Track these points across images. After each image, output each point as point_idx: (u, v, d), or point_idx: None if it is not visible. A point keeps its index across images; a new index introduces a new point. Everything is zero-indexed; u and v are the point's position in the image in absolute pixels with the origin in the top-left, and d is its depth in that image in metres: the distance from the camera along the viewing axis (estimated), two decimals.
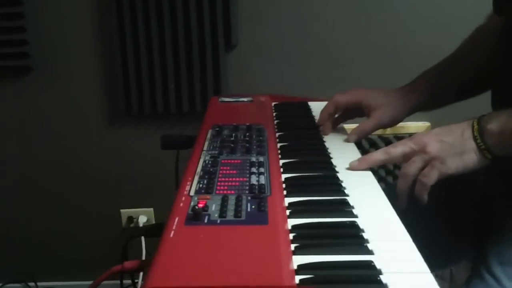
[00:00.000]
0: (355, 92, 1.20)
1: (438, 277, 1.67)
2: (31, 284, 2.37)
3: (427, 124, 2.10)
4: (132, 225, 2.27)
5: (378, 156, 0.99)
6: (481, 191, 1.09)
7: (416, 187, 0.93)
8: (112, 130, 2.20)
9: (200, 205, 0.80)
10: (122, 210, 2.29)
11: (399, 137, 2.00)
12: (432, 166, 0.91)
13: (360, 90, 1.20)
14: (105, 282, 0.85)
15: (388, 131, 2.05)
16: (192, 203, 0.81)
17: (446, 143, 0.92)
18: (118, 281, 0.97)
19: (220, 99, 1.50)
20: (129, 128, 2.19)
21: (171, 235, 0.71)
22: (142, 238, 2.12)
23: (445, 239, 1.16)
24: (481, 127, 0.90)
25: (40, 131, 2.20)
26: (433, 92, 1.18)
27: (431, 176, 0.91)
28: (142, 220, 2.27)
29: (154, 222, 2.29)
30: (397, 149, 0.97)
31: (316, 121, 1.26)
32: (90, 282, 0.88)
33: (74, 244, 2.33)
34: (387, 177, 2.11)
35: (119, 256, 0.91)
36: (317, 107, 1.33)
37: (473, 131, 0.91)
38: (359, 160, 1.01)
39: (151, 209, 2.29)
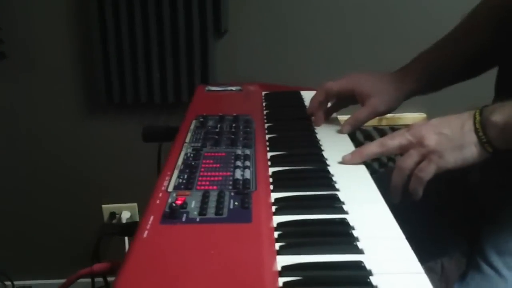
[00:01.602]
0: (347, 79, 1.19)
1: (429, 270, 1.67)
2: (7, 283, 2.36)
3: (423, 115, 2.11)
4: (114, 221, 2.26)
5: (373, 148, 0.98)
6: (476, 182, 1.09)
7: (411, 182, 0.92)
8: (92, 121, 2.18)
9: (178, 202, 0.78)
10: (103, 206, 2.28)
11: (395, 129, 2.00)
12: (430, 160, 0.91)
13: (353, 76, 1.19)
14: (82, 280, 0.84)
15: (384, 122, 2.05)
16: (169, 200, 0.80)
17: (444, 135, 0.91)
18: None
19: (206, 88, 1.49)
20: (110, 119, 2.17)
21: (145, 235, 0.70)
22: (126, 237, 2.11)
23: (437, 230, 1.16)
24: (484, 118, 0.89)
25: (15, 122, 2.18)
26: (430, 76, 1.17)
27: (428, 171, 0.91)
28: (125, 216, 2.26)
29: (138, 218, 2.28)
30: (394, 141, 0.96)
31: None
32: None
33: (52, 241, 2.32)
34: (381, 169, 2.10)
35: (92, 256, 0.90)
36: (310, 97, 1.30)
37: (474, 123, 0.90)
38: (352, 153, 0.99)
39: (135, 204, 2.27)
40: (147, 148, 1.44)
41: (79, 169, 2.23)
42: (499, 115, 0.88)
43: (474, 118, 0.90)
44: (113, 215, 2.27)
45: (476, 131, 0.89)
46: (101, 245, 0.92)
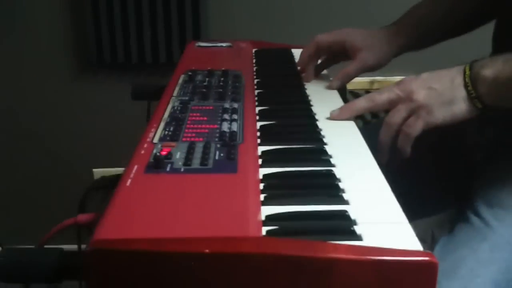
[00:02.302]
0: (339, 32, 1.18)
1: (419, 240, 1.68)
2: None
3: None
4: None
5: (361, 103, 0.97)
6: (469, 138, 1.09)
7: (399, 138, 0.92)
8: (82, 81, 2.16)
9: (163, 153, 0.78)
10: (94, 170, 2.27)
11: None
12: (418, 116, 0.90)
13: (344, 30, 1.18)
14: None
15: (376, 85, 2.05)
16: (154, 151, 0.79)
17: (434, 90, 0.90)
18: None
19: (197, 44, 1.48)
20: (100, 79, 2.15)
21: (128, 183, 0.70)
22: None
23: (427, 187, 1.16)
24: (474, 73, 0.88)
25: (2, 84, 2.16)
26: (422, 32, 1.17)
27: (416, 127, 0.90)
28: None
29: None
30: (382, 96, 0.95)
31: (299, 68, 1.24)
32: (60, 246, 0.87)
33: (42, 207, 2.31)
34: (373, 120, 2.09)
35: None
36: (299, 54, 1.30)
37: (464, 78, 0.89)
38: (340, 108, 0.98)
39: None
40: (138, 110, 1.43)
41: (69, 132, 2.22)
42: (489, 70, 0.87)
43: (464, 72, 0.89)
44: None
45: (466, 85, 0.88)
46: (91, 202, 0.92)
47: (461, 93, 0.88)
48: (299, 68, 1.24)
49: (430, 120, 0.90)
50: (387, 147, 0.93)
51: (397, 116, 0.92)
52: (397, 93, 0.92)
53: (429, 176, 1.15)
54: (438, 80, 0.91)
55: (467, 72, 0.89)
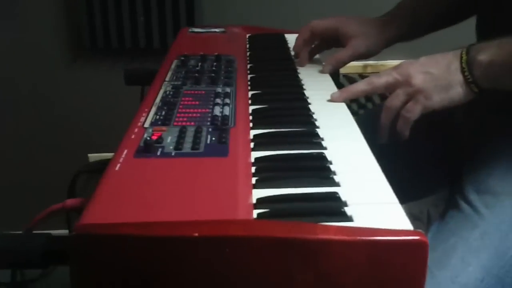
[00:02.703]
0: (333, 19, 1.19)
1: (415, 218, 1.69)
2: None
3: None
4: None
5: (360, 86, 0.98)
6: (459, 122, 1.09)
7: (399, 122, 0.93)
8: (75, 67, 2.15)
9: (154, 137, 0.78)
10: (90, 155, 2.26)
11: None
12: (416, 101, 0.91)
13: (338, 18, 1.19)
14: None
15: (369, 69, 2.04)
16: (145, 135, 0.79)
17: (431, 75, 0.90)
18: None
19: (190, 30, 1.47)
20: (94, 64, 2.14)
21: (117, 168, 0.69)
22: None
23: (419, 169, 1.17)
24: (470, 58, 0.89)
25: None
26: (413, 23, 1.17)
27: (415, 111, 0.91)
28: None
29: None
30: (381, 79, 0.95)
31: (292, 53, 1.25)
32: (54, 231, 0.87)
33: (37, 192, 2.30)
34: (359, 110, 2.10)
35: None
36: (293, 39, 1.29)
37: (461, 62, 0.89)
38: (340, 91, 1.00)
39: None
40: (133, 95, 1.42)
41: (64, 117, 2.20)
42: (484, 54, 0.87)
43: (461, 57, 0.90)
44: None
45: (463, 70, 0.89)
46: (81, 185, 0.92)
47: (458, 77, 0.89)
48: (293, 52, 1.24)
49: (428, 104, 0.91)
50: (387, 129, 0.95)
51: (396, 100, 0.93)
52: (395, 77, 0.93)
53: (423, 158, 1.16)
54: (435, 64, 0.91)
55: (464, 57, 0.89)
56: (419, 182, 1.18)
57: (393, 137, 0.95)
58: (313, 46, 1.23)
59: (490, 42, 0.89)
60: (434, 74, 0.90)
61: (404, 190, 0.71)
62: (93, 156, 2.25)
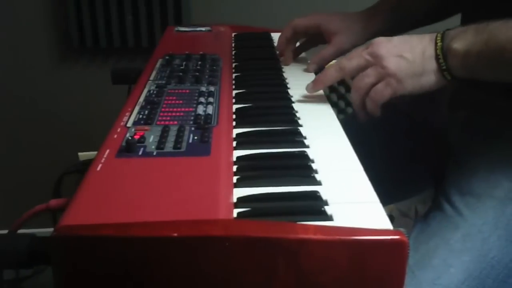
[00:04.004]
0: (314, 16, 1.17)
1: (403, 215, 1.69)
2: None
3: None
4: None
5: (332, 73, 0.95)
6: (443, 122, 1.08)
7: (367, 103, 0.90)
8: (64, 66, 2.13)
9: (136, 137, 0.77)
10: (80, 153, 2.25)
11: None
12: (387, 84, 0.88)
13: (320, 14, 1.17)
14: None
15: None
16: (127, 135, 0.78)
17: (405, 60, 0.87)
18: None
19: (176, 29, 1.45)
20: (83, 64, 2.12)
21: (98, 168, 0.68)
22: None
23: (405, 169, 1.15)
24: (445, 45, 0.86)
25: None
26: (396, 18, 1.15)
27: (384, 94, 0.88)
28: None
29: None
30: (352, 62, 0.92)
31: (277, 52, 1.23)
32: (44, 230, 0.85)
33: (27, 191, 2.28)
34: (347, 108, 2.08)
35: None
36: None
37: (436, 49, 0.86)
38: (313, 81, 0.98)
39: None
40: (122, 94, 1.41)
41: (53, 116, 2.18)
42: (460, 43, 0.85)
43: (436, 44, 0.87)
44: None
45: (437, 58, 0.86)
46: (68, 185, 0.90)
47: (432, 65, 0.87)
48: (278, 51, 1.22)
49: (399, 89, 0.88)
50: (361, 109, 0.92)
51: (365, 80, 0.90)
52: (366, 58, 0.90)
53: (408, 158, 1.15)
54: (410, 49, 0.88)
55: (439, 44, 0.86)
56: (406, 182, 1.17)
57: (368, 116, 0.93)
58: (298, 44, 1.22)
59: (465, 29, 0.86)
60: (408, 59, 0.87)
61: (391, 191, 0.70)
62: (83, 155, 2.23)
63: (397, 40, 0.90)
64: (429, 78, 0.87)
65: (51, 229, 0.76)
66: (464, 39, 0.85)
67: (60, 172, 1.63)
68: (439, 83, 0.87)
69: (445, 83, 0.88)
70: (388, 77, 0.88)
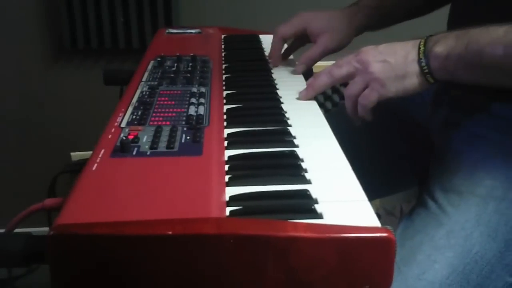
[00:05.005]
0: (298, 20, 1.16)
1: (388, 213, 1.69)
2: None
3: None
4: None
5: (322, 80, 0.97)
6: (427, 120, 1.09)
7: (358, 108, 0.93)
8: (56, 67, 2.12)
9: (130, 137, 0.77)
10: (72, 153, 2.24)
11: None
12: (372, 88, 0.90)
13: (303, 17, 1.16)
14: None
15: None
16: (121, 135, 0.78)
17: (388, 64, 0.89)
18: None
19: (167, 31, 1.45)
20: (74, 65, 2.11)
21: (94, 168, 0.68)
22: None
23: (389, 165, 1.17)
24: (427, 49, 0.88)
25: None
26: (380, 12, 1.16)
27: (370, 99, 0.90)
28: None
29: None
30: (341, 70, 0.95)
31: (266, 53, 1.24)
32: (37, 229, 0.85)
33: (20, 191, 2.27)
34: (326, 102, 2.08)
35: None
36: (267, 40, 1.29)
37: (418, 53, 0.88)
38: (305, 89, 0.99)
39: None
40: (114, 94, 1.40)
41: (45, 117, 2.16)
42: (441, 47, 0.87)
43: (419, 48, 0.89)
44: None
45: (419, 61, 0.88)
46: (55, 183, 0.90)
47: (414, 68, 0.88)
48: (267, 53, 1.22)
49: (383, 92, 0.90)
50: (354, 114, 0.95)
51: (354, 88, 0.92)
52: (355, 65, 0.92)
53: (393, 155, 1.16)
54: (393, 54, 0.90)
55: (421, 48, 0.88)
56: (390, 178, 1.18)
57: (362, 120, 0.95)
58: (286, 46, 1.22)
59: (447, 34, 0.88)
60: (391, 63, 0.89)
61: (376, 186, 0.71)
62: (75, 155, 2.22)
63: (382, 46, 0.92)
64: (412, 81, 0.89)
65: (46, 228, 0.76)
66: (445, 44, 0.86)
67: (52, 172, 1.64)
68: (423, 86, 0.89)
69: (428, 86, 0.89)
70: (373, 81, 0.90)
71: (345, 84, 0.96)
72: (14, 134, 2.20)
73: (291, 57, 1.25)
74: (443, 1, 1.13)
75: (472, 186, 0.91)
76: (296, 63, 1.17)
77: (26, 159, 2.24)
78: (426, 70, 0.87)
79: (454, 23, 1.05)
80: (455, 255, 0.85)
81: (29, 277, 2.10)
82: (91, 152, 2.16)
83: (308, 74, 1.14)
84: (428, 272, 0.84)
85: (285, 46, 1.22)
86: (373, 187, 0.68)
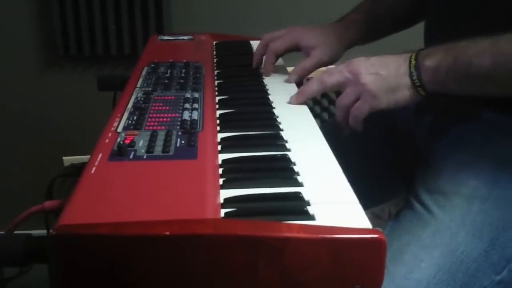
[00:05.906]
0: (290, 35, 1.16)
1: (376, 217, 1.71)
2: None
3: None
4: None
5: (313, 86, 0.98)
6: (411, 126, 1.10)
7: (350, 119, 0.94)
8: (49, 73, 2.12)
9: (127, 141, 0.78)
10: (64, 158, 2.24)
11: None
12: (364, 100, 0.91)
13: (294, 32, 1.16)
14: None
15: None
16: (118, 139, 0.79)
17: (380, 76, 0.90)
18: None
19: (159, 37, 1.46)
20: (67, 71, 2.11)
21: (92, 171, 0.69)
22: None
23: (379, 175, 1.18)
24: (418, 63, 0.89)
25: None
26: (368, 27, 1.18)
27: (362, 111, 0.92)
28: None
29: None
30: (333, 78, 0.95)
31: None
32: (34, 232, 0.85)
33: (12, 195, 2.26)
34: (323, 113, 2.10)
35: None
36: None
37: (409, 67, 0.90)
38: (296, 94, 1.00)
39: None
40: (105, 99, 1.41)
41: (39, 122, 2.16)
42: (431, 60, 0.88)
43: (410, 61, 0.90)
44: None
45: (411, 74, 0.89)
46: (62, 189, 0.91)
47: (406, 81, 0.89)
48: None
49: (375, 104, 0.91)
50: (345, 125, 0.96)
51: (346, 99, 0.93)
52: (346, 75, 0.93)
53: (382, 165, 1.17)
54: (385, 66, 0.91)
55: (413, 62, 0.90)
56: (381, 188, 1.19)
57: (352, 130, 0.97)
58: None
59: (437, 48, 0.90)
60: (383, 75, 0.90)
61: (367, 196, 0.71)
62: (68, 159, 2.22)
63: (374, 59, 0.93)
64: (404, 93, 0.90)
65: (43, 230, 0.77)
66: (434, 57, 0.88)
67: (44, 176, 1.64)
68: (414, 98, 0.90)
69: (419, 99, 0.91)
70: (364, 93, 0.91)
71: (339, 94, 0.97)
72: (8, 139, 2.20)
73: (281, 62, 1.25)
74: (423, 14, 1.14)
75: (457, 187, 0.92)
76: (289, 72, 1.17)
77: (18, 164, 2.23)
78: (418, 83, 0.89)
79: (430, 37, 1.07)
80: (441, 254, 0.86)
81: (21, 278, 2.09)
82: (82, 157, 2.16)
83: (299, 85, 1.15)
84: (415, 271, 0.85)
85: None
86: (364, 197, 0.69)
